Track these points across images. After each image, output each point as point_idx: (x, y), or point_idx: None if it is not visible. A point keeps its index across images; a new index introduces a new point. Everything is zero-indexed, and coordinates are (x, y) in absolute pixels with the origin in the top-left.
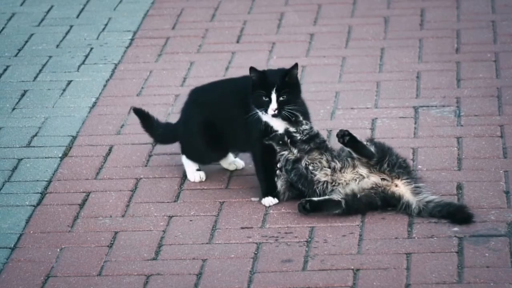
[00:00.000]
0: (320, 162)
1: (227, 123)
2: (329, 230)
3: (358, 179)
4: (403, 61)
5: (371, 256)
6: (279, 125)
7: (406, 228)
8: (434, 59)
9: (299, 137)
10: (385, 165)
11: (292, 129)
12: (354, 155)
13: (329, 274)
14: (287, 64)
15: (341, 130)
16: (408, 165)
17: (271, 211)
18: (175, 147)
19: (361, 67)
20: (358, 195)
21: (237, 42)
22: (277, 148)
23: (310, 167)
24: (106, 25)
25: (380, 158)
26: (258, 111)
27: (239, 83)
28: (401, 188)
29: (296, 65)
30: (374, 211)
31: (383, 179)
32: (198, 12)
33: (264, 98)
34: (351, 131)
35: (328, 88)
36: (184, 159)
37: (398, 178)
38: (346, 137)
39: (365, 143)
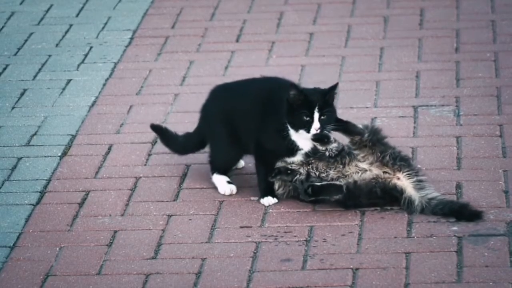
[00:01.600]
0: (333, 164)
1: (246, 123)
2: (328, 229)
3: (361, 171)
4: (403, 61)
5: (370, 256)
6: (305, 144)
7: (405, 228)
8: (433, 58)
9: (327, 154)
10: (387, 158)
11: (321, 147)
12: (346, 136)
13: (328, 273)
14: (287, 63)
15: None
16: (409, 158)
17: (270, 210)
18: None
19: (360, 66)
20: (359, 182)
21: (237, 41)
22: (286, 177)
23: (323, 174)
24: (105, 24)
25: (373, 136)
26: (293, 129)
27: (262, 85)
28: (403, 181)
29: (337, 85)
30: (375, 205)
31: (384, 172)
32: (198, 11)
33: (305, 117)
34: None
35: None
36: (214, 177)
37: (400, 171)
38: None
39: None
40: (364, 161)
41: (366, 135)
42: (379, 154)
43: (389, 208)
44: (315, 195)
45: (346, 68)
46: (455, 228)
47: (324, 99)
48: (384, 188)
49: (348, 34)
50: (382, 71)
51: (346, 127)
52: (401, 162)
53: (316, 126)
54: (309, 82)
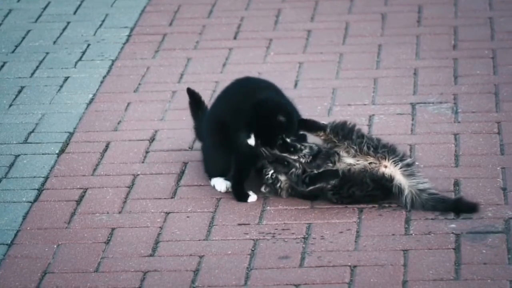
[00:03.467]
0: (329, 164)
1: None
2: (326, 226)
3: (350, 166)
4: (401, 58)
5: (368, 253)
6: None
7: (403, 225)
8: (431, 55)
9: (304, 161)
10: (365, 148)
11: (293, 157)
12: (310, 134)
13: (326, 270)
14: (284, 61)
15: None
16: (392, 144)
17: (268, 207)
18: (172, 144)
19: (358, 63)
20: (351, 169)
21: (234, 38)
22: (281, 168)
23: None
24: (103, 21)
25: (335, 128)
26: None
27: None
28: (391, 169)
29: (278, 112)
30: (372, 200)
31: (370, 162)
32: (195, 9)
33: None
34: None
35: (325, 85)
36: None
37: (385, 159)
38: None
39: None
40: (348, 156)
41: (328, 129)
42: (355, 146)
43: (387, 205)
44: (312, 183)
45: (343, 65)
46: (453, 225)
47: (264, 124)
48: (373, 178)
49: (346, 31)
50: (380, 68)
51: (306, 125)
52: (383, 149)
53: (251, 141)
54: (306, 78)
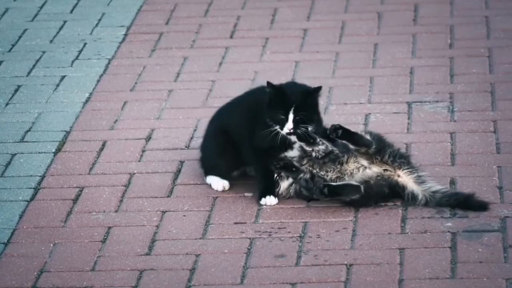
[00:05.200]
0: (331, 167)
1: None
2: (322, 225)
3: (361, 168)
4: (397, 57)
5: (364, 252)
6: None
7: (399, 224)
8: (427, 54)
9: (314, 155)
10: (387, 156)
11: (308, 148)
12: (351, 146)
13: (322, 269)
14: (281, 60)
15: (332, 125)
16: (408, 155)
17: (264, 206)
18: (168, 143)
19: (354, 62)
20: (371, 181)
21: (231, 37)
22: (290, 174)
23: (322, 174)
24: (99, 20)
25: (379, 146)
26: (272, 124)
27: (252, 98)
28: (404, 178)
29: (320, 88)
30: (384, 201)
31: (385, 169)
32: (192, 8)
33: (281, 116)
34: (343, 124)
35: (322, 84)
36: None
37: (400, 168)
38: (338, 131)
39: (360, 133)
40: (363, 158)
41: (374, 147)
42: (379, 154)
43: (383, 204)
44: (331, 194)
45: (340, 64)
46: (449, 224)
47: (303, 99)
48: (390, 186)
49: (342, 30)
50: (376, 67)
51: (352, 139)
52: (400, 159)
53: (289, 126)
54: (303, 77)
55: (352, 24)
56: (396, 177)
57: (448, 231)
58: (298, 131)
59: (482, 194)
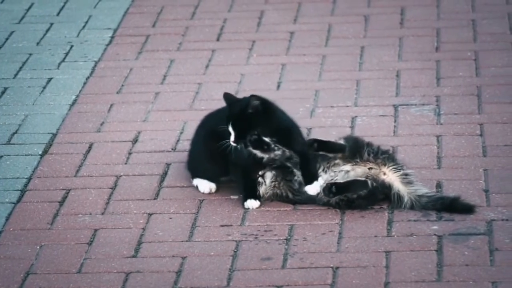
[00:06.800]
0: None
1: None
2: (309, 228)
3: (341, 173)
4: (383, 60)
5: (350, 254)
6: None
7: (385, 226)
8: (414, 57)
9: (277, 160)
10: (366, 154)
11: (264, 155)
12: (330, 155)
13: (308, 272)
14: (267, 62)
15: (308, 140)
16: (391, 151)
17: (250, 209)
18: (155, 145)
19: (341, 65)
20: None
21: (217, 40)
22: (283, 175)
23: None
24: (86, 22)
25: (353, 146)
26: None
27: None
28: (390, 176)
29: (252, 96)
30: (369, 205)
31: (370, 168)
32: (178, 10)
33: (228, 128)
34: (317, 137)
35: (308, 86)
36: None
37: (385, 165)
38: (314, 144)
39: (333, 140)
40: (344, 163)
41: (347, 149)
42: (356, 154)
43: (369, 207)
44: (339, 192)
45: (326, 67)
46: (435, 227)
47: (239, 111)
48: (380, 185)
49: (329, 33)
50: (363, 70)
51: (327, 147)
52: (383, 155)
53: (231, 138)
54: (289, 80)
55: (339, 27)
56: (382, 175)
57: (434, 234)
58: (247, 140)
59: (468, 197)
